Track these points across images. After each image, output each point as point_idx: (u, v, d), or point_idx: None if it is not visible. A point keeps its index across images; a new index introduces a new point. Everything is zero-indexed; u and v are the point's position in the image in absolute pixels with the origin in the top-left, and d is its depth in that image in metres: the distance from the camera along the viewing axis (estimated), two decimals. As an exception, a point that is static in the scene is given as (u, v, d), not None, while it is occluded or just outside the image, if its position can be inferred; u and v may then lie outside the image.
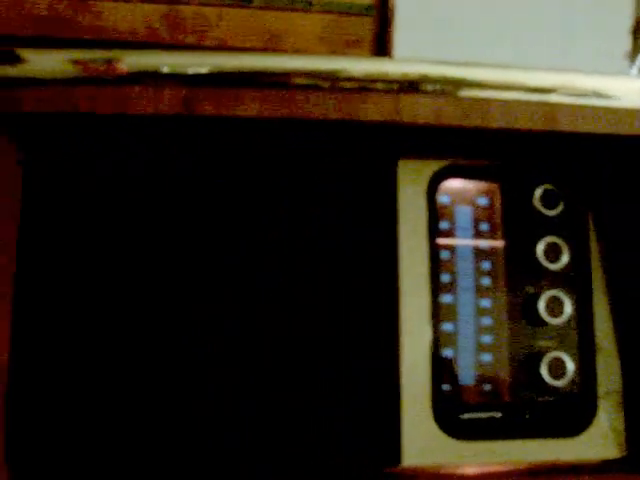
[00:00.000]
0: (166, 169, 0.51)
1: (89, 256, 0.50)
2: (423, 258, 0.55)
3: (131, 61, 0.50)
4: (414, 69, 0.52)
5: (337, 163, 0.54)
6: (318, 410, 0.51)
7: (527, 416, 0.55)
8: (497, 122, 0.50)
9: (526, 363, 0.55)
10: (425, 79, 0.51)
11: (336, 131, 0.52)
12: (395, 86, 0.51)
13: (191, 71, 0.48)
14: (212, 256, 0.51)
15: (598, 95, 0.51)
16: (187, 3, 0.85)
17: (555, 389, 0.55)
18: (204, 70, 0.49)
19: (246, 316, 0.51)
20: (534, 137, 0.51)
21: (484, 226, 0.57)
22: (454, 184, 0.57)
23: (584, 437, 0.55)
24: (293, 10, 0.87)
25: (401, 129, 0.50)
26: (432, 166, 0.56)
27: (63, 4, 0.83)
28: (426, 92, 0.50)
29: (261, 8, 0.86)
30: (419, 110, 0.49)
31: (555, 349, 0.55)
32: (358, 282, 0.53)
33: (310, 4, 0.87)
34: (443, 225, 0.57)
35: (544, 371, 0.54)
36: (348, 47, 0.87)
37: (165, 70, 0.48)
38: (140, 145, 0.52)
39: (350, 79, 0.50)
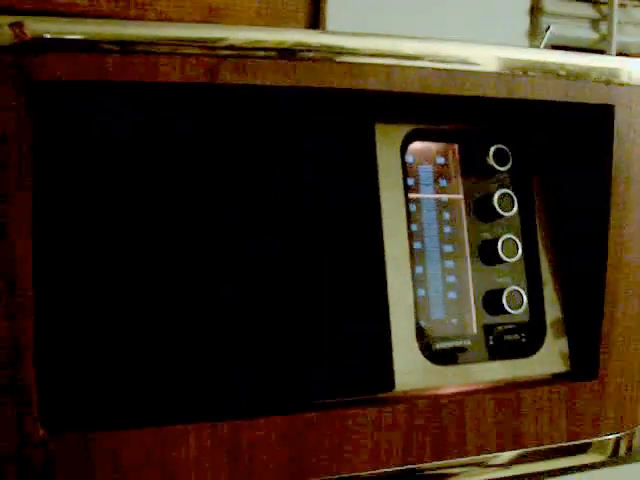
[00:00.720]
0: (164, 131, 0.56)
1: (99, 210, 0.53)
2: (400, 208, 0.63)
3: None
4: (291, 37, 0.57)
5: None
6: (321, 348, 0.58)
7: (491, 342, 0.64)
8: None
9: (489, 297, 0.65)
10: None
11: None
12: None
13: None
14: (213, 208, 0.57)
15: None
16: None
17: (513, 317, 0.65)
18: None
19: (244, 259, 0.57)
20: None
21: (445, 181, 0.66)
22: (420, 146, 0.65)
23: (537, 357, 0.65)
24: (230, -15, 0.91)
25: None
26: (403, 130, 0.64)
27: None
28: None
29: (199, -17, 0.90)
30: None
31: (512, 284, 0.65)
32: (349, 228, 0.60)
33: (245, -21, 0.91)
34: (410, 181, 0.65)
35: (505, 303, 0.64)
36: (284, 21, 0.93)
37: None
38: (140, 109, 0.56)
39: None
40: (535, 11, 1.06)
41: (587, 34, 1.08)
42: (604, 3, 1.08)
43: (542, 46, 0.90)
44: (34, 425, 0.51)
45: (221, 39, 0.55)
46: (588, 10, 1.09)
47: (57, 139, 0.53)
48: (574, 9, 1.08)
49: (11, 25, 0.51)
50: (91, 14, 0.87)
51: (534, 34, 1.05)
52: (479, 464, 0.61)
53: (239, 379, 0.56)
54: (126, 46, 0.52)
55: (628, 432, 0.67)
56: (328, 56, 0.57)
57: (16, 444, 0.51)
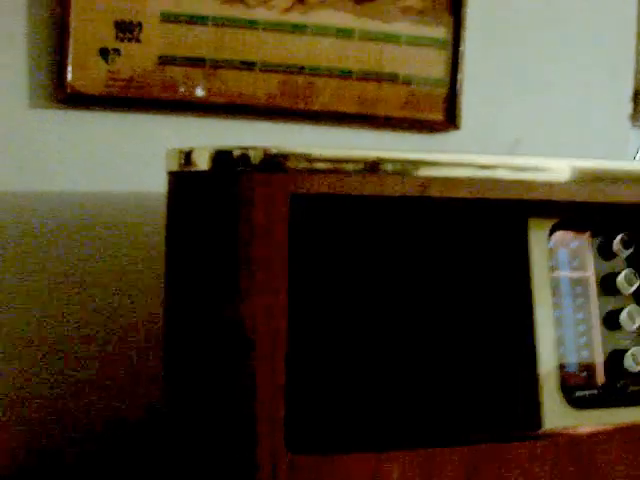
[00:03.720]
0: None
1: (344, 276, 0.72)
2: (546, 284, 0.80)
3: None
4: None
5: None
6: (493, 400, 0.75)
7: (617, 392, 0.81)
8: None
9: (614, 356, 0.81)
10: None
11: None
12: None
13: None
14: (404, 298, 0.75)
15: None
16: (299, 74, 1.07)
17: (634, 374, 0.81)
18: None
19: (429, 333, 0.75)
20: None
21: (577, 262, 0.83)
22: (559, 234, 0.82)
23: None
24: (382, 81, 1.10)
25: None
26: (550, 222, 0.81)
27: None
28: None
29: (357, 79, 1.09)
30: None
31: (634, 346, 0.81)
32: (508, 301, 0.77)
33: (396, 76, 1.10)
34: (552, 262, 0.82)
35: (628, 361, 0.80)
36: (424, 111, 1.11)
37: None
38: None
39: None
40: (637, 97, 1.22)
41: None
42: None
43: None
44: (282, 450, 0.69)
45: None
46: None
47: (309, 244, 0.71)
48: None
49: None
50: (269, 107, 1.06)
51: (636, 117, 1.22)
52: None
53: (430, 420, 0.74)
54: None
55: None
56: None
57: (268, 462, 0.69)
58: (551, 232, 0.82)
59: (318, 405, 0.72)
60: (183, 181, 0.75)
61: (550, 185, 0.76)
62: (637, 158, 0.98)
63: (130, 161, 1.03)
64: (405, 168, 0.71)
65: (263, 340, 0.69)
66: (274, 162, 0.70)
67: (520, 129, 1.14)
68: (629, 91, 1.21)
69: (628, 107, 1.21)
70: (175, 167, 0.75)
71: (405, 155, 0.72)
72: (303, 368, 0.71)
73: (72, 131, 1.02)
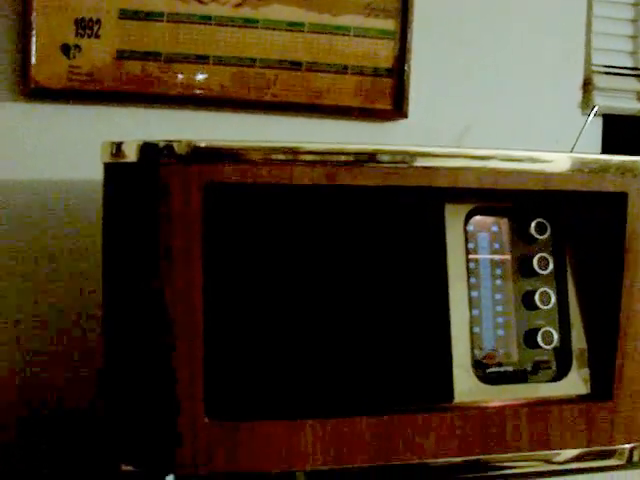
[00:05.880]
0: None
1: (258, 260, 0.77)
2: (462, 265, 0.84)
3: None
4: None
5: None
6: (405, 371, 0.80)
7: (529, 369, 0.85)
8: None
9: (528, 335, 0.85)
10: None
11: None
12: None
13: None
14: (330, 269, 0.80)
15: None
16: (251, 66, 1.12)
17: (546, 351, 0.85)
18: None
19: (349, 303, 0.80)
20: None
21: (498, 245, 0.87)
22: (479, 218, 0.87)
23: (565, 381, 0.86)
24: (332, 72, 1.14)
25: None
26: (466, 207, 0.85)
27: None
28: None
29: (307, 70, 1.14)
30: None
31: (546, 325, 0.86)
32: (423, 282, 0.82)
33: (345, 68, 1.15)
34: (471, 245, 0.86)
35: (539, 339, 0.85)
36: (373, 101, 1.16)
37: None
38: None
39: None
40: (587, 86, 1.25)
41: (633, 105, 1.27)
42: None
43: (589, 120, 1.09)
44: (201, 415, 0.75)
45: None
46: (635, 84, 1.28)
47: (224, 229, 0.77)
48: (621, 84, 1.27)
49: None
50: (222, 98, 1.11)
51: (585, 106, 1.25)
52: (516, 459, 0.82)
53: (343, 390, 0.79)
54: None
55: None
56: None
57: (189, 428, 0.75)
58: (469, 217, 0.86)
59: (238, 377, 0.78)
60: (115, 171, 0.80)
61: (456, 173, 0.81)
62: (574, 149, 1.02)
63: (90, 151, 1.08)
64: (313, 158, 0.76)
65: (181, 319, 0.74)
66: (192, 154, 0.75)
67: (469, 118, 1.18)
68: (579, 79, 1.24)
69: (578, 95, 1.24)
70: (108, 158, 0.80)
71: (317, 146, 0.78)
72: (223, 343, 0.77)
73: (36, 123, 1.08)
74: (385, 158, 0.79)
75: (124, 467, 0.79)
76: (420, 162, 0.80)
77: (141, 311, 0.77)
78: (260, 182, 0.75)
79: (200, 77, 1.11)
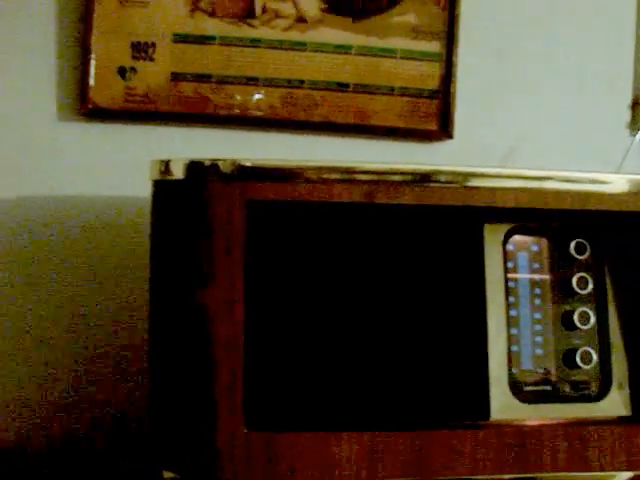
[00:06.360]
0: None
1: (297, 275, 0.80)
2: (500, 284, 0.85)
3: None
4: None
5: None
6: (443, 389, 0.81)
7: (567, 389, 0.85)
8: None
9: (566, 355, 0.86)
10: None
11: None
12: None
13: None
14: (370, 285, 0.81)
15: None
16: (299, 88, 1.15)
17: (585, 371, 0.85)
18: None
19: (390, 319, 0.82)
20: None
21: (537, 265, 0.88)
22: (518, 238, 0.87)
23: (604, 402, 0.86)
24: (379, 94, 1.17)
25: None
26: (505, 227, 0.86)
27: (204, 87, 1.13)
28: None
29: (354, 92, 1.16)
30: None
31: (585, 345, 0.86)
32: (463, 300, 0.83)
33: (392, 89, 1.17)
34: (510, 264, 0.87)
35: (578, 359, 0.85)
36: (419, 122, 1.17)
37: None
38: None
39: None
40: (635, 106, 1.25)
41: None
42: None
43: (636, 140, 1.09)
44: (240, 426, 0.77)
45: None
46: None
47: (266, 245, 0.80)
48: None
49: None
50: (272, 118, 1.15)
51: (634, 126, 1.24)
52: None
53: (380, 405, 0.81)
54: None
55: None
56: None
57: (228, 438, 0.77)
58: (508, 237, 0.87)
59: (276, 389, 0.80)
60: (163, 188, 0.84)
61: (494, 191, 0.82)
62: (621, 167, 1.02)
63: (144, 169, 1.13)
64: (351, 177, 0.79)
65: (222, 333, 0.77)
66: (236, 172, 0.79)
67: (514, 138, 1.19)
68: (628, 99, 1.23)
69: (626, 115, 1.23)
70: (157, 176, 0.84)
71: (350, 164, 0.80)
72: (262, 356, 0.79)
73: (93, 142, 1.13)
74: (441, 178, 0.81)
75: (166, 474, 0.82)
76: (473, 182, 0.81)
77: (183, 325, 0.80)
78: (300, 199, 0.77)
79: (250, 98, 1.14)
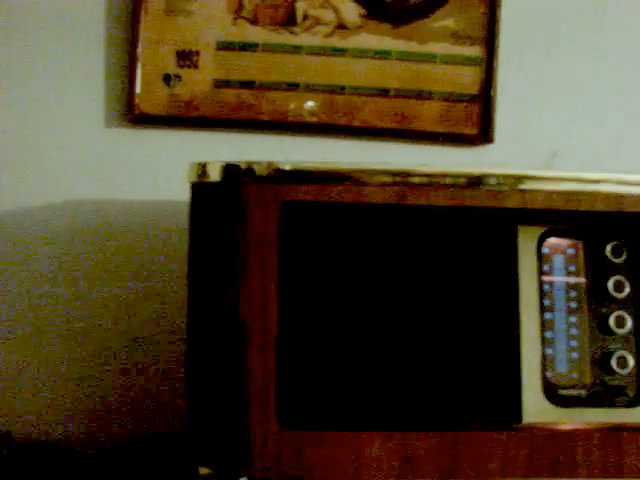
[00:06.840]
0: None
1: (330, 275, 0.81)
2: (535, 287, 0.85)
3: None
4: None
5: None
6: (476, 391, 0.82)
7: (602, 393, 0.84)
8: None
9: (602, 359, 0.85)
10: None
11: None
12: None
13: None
14: (404, 287, 0.82)
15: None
16: (340, 93, 1.17)
17: (621, 376, 0.84)
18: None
19: (425, 320, 0.82)
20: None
21: (573, 268, 0.87)
22: (553, 240, 0.87)
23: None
24: (419, 98, 1.17)
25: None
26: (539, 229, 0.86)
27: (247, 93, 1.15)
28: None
29: (395, 97, 1.17)
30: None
31: (620, 349, 0.85)
32: (497, 302, 0.83)
33: (432, 94, 1.17)
34: (545, 267, 0.87)
35: (614, 364, 0.84)
36: (460, 126, 1.18)
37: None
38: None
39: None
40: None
41: None
42: None
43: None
44: (273, 424, 0.79)
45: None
46: None
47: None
48: None
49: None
50: (313, 123, 1.16)
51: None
52: (587, 485, 0.81)
53: (412, 405, 0.81)
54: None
55: None
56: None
57: (261, 436, 0.79)
58: (543, 239, 0.87)
59: (309, 388, 0.81)
60: (200, 191, 0.86)
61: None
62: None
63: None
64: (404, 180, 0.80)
65: (256, 332, 0.79)
66: (271, 174, 0.80)
67: (555, 142, 1.18)
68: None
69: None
70: (194, 179, 0.86)
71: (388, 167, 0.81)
72: (295, 355, 0.81)
73: (140, 146, 1.16)
74: (491, 181, 0.82)
75: (202, 470, 0.83)
76: (526, 185, 0.82)
77: (219, 325, 0.81)
78: (334, 201, 0.79)
79: (291, 104, 1.16)
